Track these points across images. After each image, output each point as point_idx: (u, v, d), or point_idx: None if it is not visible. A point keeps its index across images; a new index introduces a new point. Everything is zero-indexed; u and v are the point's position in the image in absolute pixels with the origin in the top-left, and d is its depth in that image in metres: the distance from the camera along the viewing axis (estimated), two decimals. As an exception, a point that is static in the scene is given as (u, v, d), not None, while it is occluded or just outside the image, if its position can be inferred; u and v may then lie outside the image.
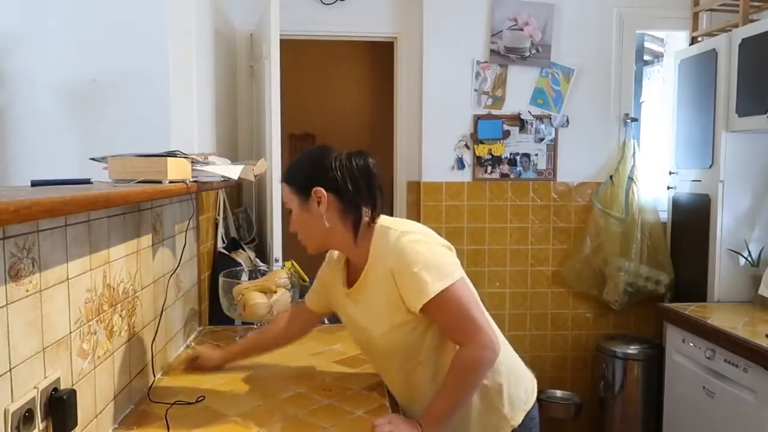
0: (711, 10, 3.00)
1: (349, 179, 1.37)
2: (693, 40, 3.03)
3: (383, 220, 1.41)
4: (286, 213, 1.45)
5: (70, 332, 1.12)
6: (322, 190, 1.36)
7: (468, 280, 1.37)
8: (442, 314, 1.31)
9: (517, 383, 1.45)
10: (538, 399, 1.51)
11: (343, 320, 1.56)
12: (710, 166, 2.67)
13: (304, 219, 1.40)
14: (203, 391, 1.51)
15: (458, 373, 1.30)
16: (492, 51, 3.01)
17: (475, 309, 1.31)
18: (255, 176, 1.96)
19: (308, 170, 1.40)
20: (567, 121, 3.08)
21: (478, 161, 3.05)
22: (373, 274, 1.37)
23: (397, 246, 1.31)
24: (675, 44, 3.21)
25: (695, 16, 3.04)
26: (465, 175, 3.05)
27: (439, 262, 1.31)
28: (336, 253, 1.54)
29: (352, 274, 1.47)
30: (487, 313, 1.37)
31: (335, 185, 1.36)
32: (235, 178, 1.76)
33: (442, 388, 1.31)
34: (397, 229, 1.36)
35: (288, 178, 1.43)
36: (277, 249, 2.40)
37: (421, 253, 1.30)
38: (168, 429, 1.32)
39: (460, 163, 3.04)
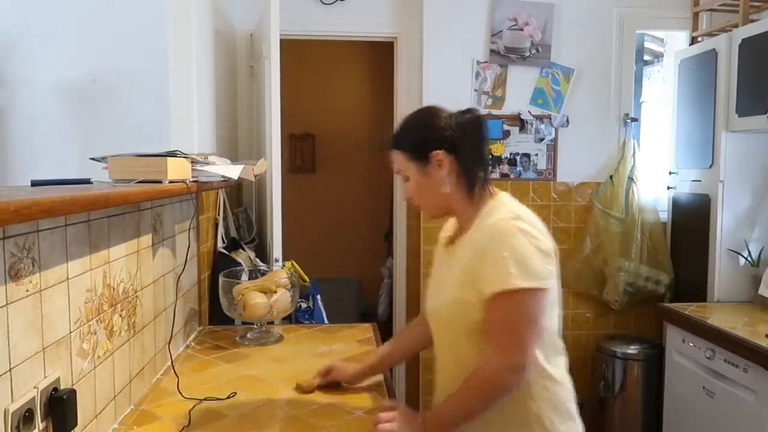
0: (711, 10, 2.99)
1: (466, 139, 1.28)
2: (693, 40, 3.03)
3: (504, 196, 1.32)
4: (401, 182, 1.39)
5: (70, 332, 1.12)
6: (443, 152, 1.28)
7: (552, 298, 1.25)
8: (498, 311, 1.19)
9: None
10: None
11: (429, 284, 1.44)
12: (710, 166, 2.67)
13: (424, 185, 1.32)
14: (204, 391, 1.51)
15: (477, 380, 1.21)
16: (492, 51, 3.01)
17: (531, 329, 1.20)
18: (255, 176, 1.96)
19: (423, 132, 1.31)
20: (567, 121, 3.08)
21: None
22: (468, 242, 1.28)
23: (501, 225, 1.22)
24: (675, 44, 3.21)
25: (695, 16, 3.04)
26: (465, 175, 3.05)
27: (533, 261, 1.18)
28: (451, 221, 1.44)
29: (455, 237, 1.37)
30: (551, 341, 1.26)
31: (453, 146, 1.28)
32: (235, 178, 1.76)
33: (457, 390, 1.23)
34: (512, 210, 1.26)
35: (400, 144, 1.34)
36: (277, 249, 2.40)
37: (520, 243, 1.18)
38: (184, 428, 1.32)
39: (460, 163, 3.04)
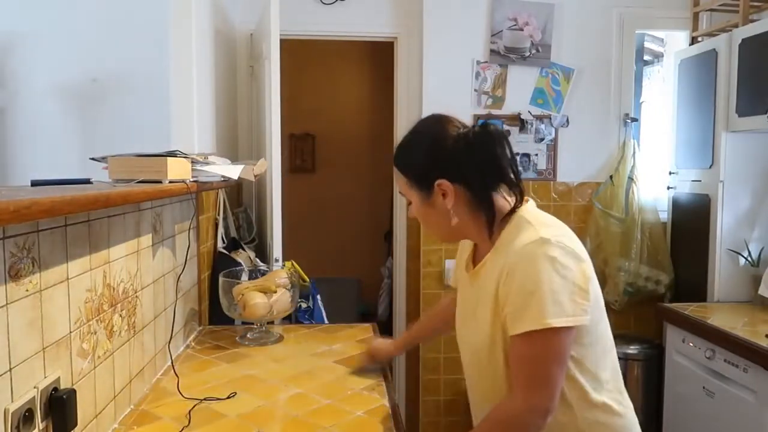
0: (711, 10, 2.99)
1: (478, 164, 1.12)
2: (693, 40, 3.03)
3: (525, 211, 1.16)
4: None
5: (70, 332, 1.12)
6: (447, 182, 1.13)
7: (591, 336, 1.14)
8: (524, 349, 1.07)
9: None
10: None
11: (456, 305, 1.36)
12: (710, 166, 2.67)
13: (427, 214, 1.19)
14: (204, 391, 1.51)
15: (493, 422, 1.11)
16: (492, 51, 3.01)
17: (558, 370, 1.07)
18: (255, 176, 1.96)
19: (426, 156, 1.16)
20: (567, 121, 3.08)
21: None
22: (491, 266, 1.16)
23: (528, 252, 1.07)
24: (675, 44, 3.21)
25: (695, 16, 3.04)
26: (465, 175, 3.04)
27: (563, 297, 1.05)
28: None
29: (476, 257, 1.26)
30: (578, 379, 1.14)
31: (462, 174, 1.13)
32: (235, 178, 1.76)
33: (477, 427, 1.14)
34: (539, 230, 1.10)
35: (402, 165, 1.20)
36: (277, 249, 2.40)
37: (549, 276, 1.05)
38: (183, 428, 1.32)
39: (460, 163, 3.04)
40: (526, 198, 1.19)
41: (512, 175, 1.16)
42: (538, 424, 1.07)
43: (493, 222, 1.16)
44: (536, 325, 1.04)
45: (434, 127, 1.20)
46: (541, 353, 1.06)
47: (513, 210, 1.17)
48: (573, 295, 1.06)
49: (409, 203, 1.23)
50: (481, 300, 1.18)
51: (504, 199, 1.19)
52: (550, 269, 1.05)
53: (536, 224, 1.12)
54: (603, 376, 1.18)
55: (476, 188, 1.15)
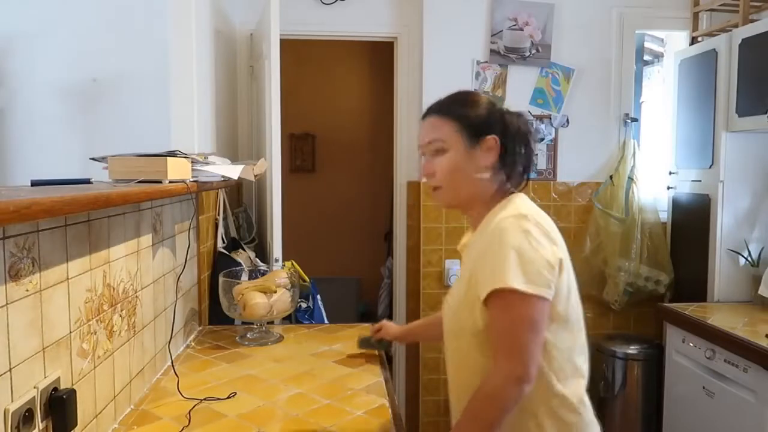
0: (711, 10, 2.99)
1: (520, 136, 1.22)
2: (693, 40, 3.03)
3: (517, 197, 1.23)
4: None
5: (70, 332, 1.12)
6: (496, 138, 1.20)
7: (564, 315, 1.15)
8: (496, 316, 1.10)
9: None
10: None
11: None
12: (710, 166, 2.67)
13: (460, 165, 1.20)
14: (204, 391, 1.51)
15: (481, 400, 1.10)
16: (492, 51, 3.01)
17: (533, 337, 1.09)
18: (255, 176, 1.96)
19: (485, 111, 1.22)
20: (567, 121, 3.08)
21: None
22: (473, 243, 1.24)
23: (504, 224, 1.12)
24: (675, 44, 3.21)
25: (695, 16, 3.04)
26: (465, 175, 3.05)
27: (535, 265, 1.08)
28: None
29: (469, 240, 1.33)
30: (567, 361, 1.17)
31: (509, 138, 1.21)
32: (235, 178, 1.76)
33: (463, 413, 1.13)
34: (520, 209, 1.16)
35: (450, 111, 1.23)
36: (277, 249, 2.40)
37: (521, 244, 1.09)
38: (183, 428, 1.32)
39: (460, 163, 3.04)
40: (519, 192, 1.26)
41: (530, 165, 1.28)
42: (513, 393, 1.08)
43: (503, 191, 1.23)
44: (500, 284, 1.07)
45: (480, 94, 1.32)
46: (511, 319, 1.09)
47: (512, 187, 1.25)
48: (540, 267, 1.09)
49: (438, 152, 1.22)
50: (461, 274, 1.25)
51: (504, 185, 1.25)
52: (522, 239, 1.10)
53: (520, 206, 1.19)
54: (569, 369, 1.19)
55: (514, 157, 1.22)
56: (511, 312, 1.09)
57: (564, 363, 1.17)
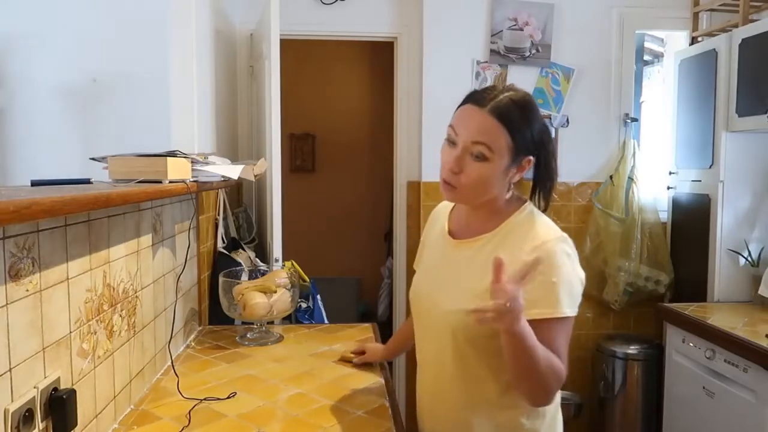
0: (711, 10, 2.99)
1: (545, 148, 1.21)
2: (693, 40, 3.03)
3: (530, 205, 1.25)
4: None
5: (70, 332, 1.12)
6: (533, 159, 1.20)
7: None
8: (543, 335, 1.12)
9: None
10: None
11: (418, 272, 1.40)
12: (710, 166, 2.67)
13: (492, 179, 1.17)
14: (204, 391, 1.51)
15: (553, 366, 1.12)
16: (492, 51, 3.01)
17: (567, 351, 1.18)
18: (255, 176, 1.96)
19: (538, 130, 1.19)
20: (567, 121, 3.08)
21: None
22: (493, 245, 1.20)
23: (550, 247, 1.15)
24: (675, 44, 3.21)
25: (695, 16, 3.04)
26: (465, 175, 3.05)
27: (576, 289, 1.17)
28: (446, 208, 1.39)
29: (458, 229, 1.31)
30: None
31: (538, 152, 1.20)
32: (235, 178, 1.76)
33: (545, 351, 1.12)
34: (553, 229, 1.20)
35: (512, 124, 1.15)
36: (277, 249, 2.40)
37: (568, 271, 1.16)
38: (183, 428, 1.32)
39: (460, 163, 3.04)
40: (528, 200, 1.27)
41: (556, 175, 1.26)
42: (555, 392, 1.17)
43: (520, 198, 1.25)
44: (555, 313, 1.14)
45: (535, 101, 1.22)
46: (561, 337, 1.16)
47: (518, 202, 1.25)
48: (579, 291, 1.19)
49: (480, 158, 1.15)
50: (463, 273, 1.23)
51: (538, 198, 1.27)
52: (568, 264, 1.16)
53: (548, 223, 1.22)
54: None
55: (540, 170, 1.23)
56: (559, 331, 1.16)
57: None
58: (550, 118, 3.06)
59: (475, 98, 1.18)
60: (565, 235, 1.20)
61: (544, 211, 1.26)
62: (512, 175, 1.20)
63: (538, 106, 1.22)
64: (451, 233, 1.32)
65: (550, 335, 1.14)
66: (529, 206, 1.25)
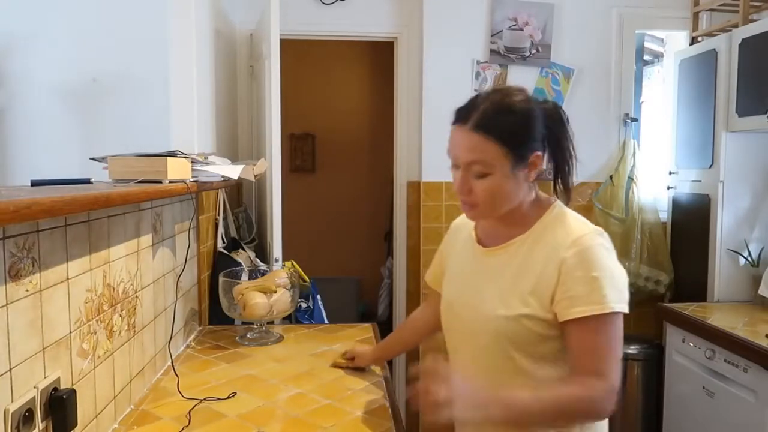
0: (711, 10, 2.99)
1: (556, 135, 1.15)
2: (693, 40, 3.03)
3: (561, 205, 1.21)
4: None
5: (70, 332, 1.12)
6: (541, 154, 1.13)
7: None
8: (590, 336, 1.08)
9: None
10: None
11: (447, 283, 1.34)
12: (710, 166, 2.67)
13: (504, 187, 1.13)
14: (204, 391, 1.51)
15: (575, 398, 1.08)
16: (492, 51, 3.01)
17: (618, 353, 1.11)
18: (255, 176, 1.96)
19: (527, 125, 1.13)
20: (567, 121, 3.08)
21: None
22: (529, 247, 1.17)
23: (585, 242, 1.11)
24: (675, 44, 3.21)
25: (695, 16, 3.04)
26: (465, 175, 3.05)
27: (622, 283, 1.11)
28: (468, 219, 1.31)
29: (487, 237, 1.27)
30: None
31: (549, 146, 1.15)
32: (235, 178, 1.76)
33: (545, 392, 1.10)
34: (587, 223, 1.16)
35: (494, 130, 1.11)
36: (277, 249, 2.40)
37: (609, 264, 1.11)
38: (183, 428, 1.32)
39: (460, 163, 3.04)
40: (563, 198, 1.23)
41: (573, 162, 1.20)
42: (611, 406, 1.09)
43: (548, 195, 1.21)
44: (603, 309, 1.08)
45: (520, 92, 1.17)
46: (611, 337, 1.10)
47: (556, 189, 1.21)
48: (623, 285, 1.13)
49: (483, 175, 1.13)
50: (501, 277, 1.19)
51: (560, 191, 1.22)
52: (608, 257, 1.12)
53: (580, 218, 1.18)
54: None
55: (556, 161, 1.18)
56: (608, 333, 1.09)
57: None
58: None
59: (458, 116, 1.16)
60: (601, 229, 1.16)
61: (567, 195, 1.21)
62: (526, 175, 1.15)
63: (528, 97, 1.16)
64: (480, 242, 1.28)
65: (594, 336, 1.08)
66: (558, 205, 1.21)
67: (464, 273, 1.30)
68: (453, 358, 1.31)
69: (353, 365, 1.69)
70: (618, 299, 1.09)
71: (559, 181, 1.21)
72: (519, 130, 1.13)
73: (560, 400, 1.08)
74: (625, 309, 1.10)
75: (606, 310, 1.08)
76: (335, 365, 1.72)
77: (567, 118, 1.19)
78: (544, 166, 1.18)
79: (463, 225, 1.36)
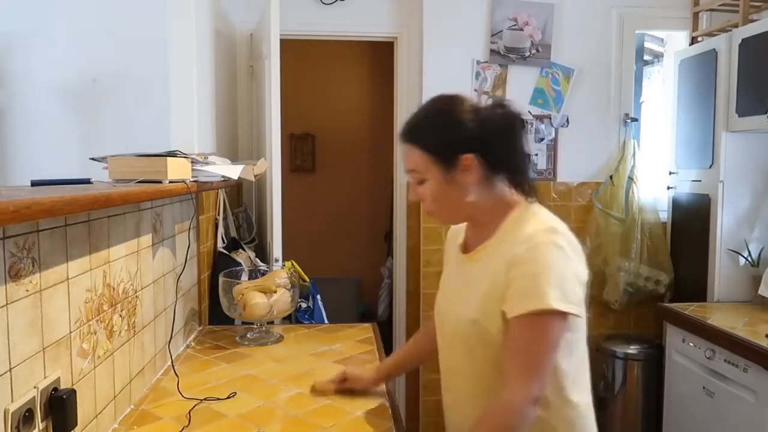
0: (711, 10, 2.99)
1: (498, 139, 1.13)
2: (693, 40, 3.03)
3: (531, 205, 1.19)
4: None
5: (70, 332, 1.12)
6: (473, 156, 1.12)
7: (578, 333, 1.16)
8: (522, 333, 1.07)
9: None
10: None
11: (439, 291, 1.35)
12: (710, 166, 2.67)
13: (444, 192, 1.16)
14: (204, 391, 1.51)
15: (496, 420, 1.07)
16: (492, 51, 3.01)
17: (551, 356, 1.08)
18: (255, 176, 1.96)
19: (450, 129, 1.14)
20: (567, 121, 3.08)
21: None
22: (492, 251, 1.17)
23: (536, 239, 1.09)
24: (675, 44, 3.21)
25: (695, 16, 3.04)
26: (465, 175, 3.05)
27: (571, 283, 1.07)
28: (462, 226, 1.32)
29: (471, 242, 1.26)
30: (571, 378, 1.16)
31: (484, 148, 1.13)
32: (235, 178, 1.77)
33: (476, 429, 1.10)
34: (546, 222, 1.13)
35: (419, 139, 1.16)
36: (277, 249, 2.40)
37: (555, 260, 1.07)
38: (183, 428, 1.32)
39: (460, 163, 3.04)
40: (532, 198, 1.20)
41: (523, 163, 1.19)
42: (530, 414, 1.06)
43: (508, 196, 1.19)
44: (539, 305, 1.04)
45: (450, 100, 1.19)
46: (539, 337, 1.07)
47: (515, 190, 1.19)
48: (574, 285, 1.08)
49: (419, 182, 1.18)
50: (474, 282, 1.19)
51: (508, 189, 1.19)
52: (557, 255, 1.07)
53: (544, 217, 1.15)
54: (581, 375, 1.21)
55: (498, 164, 1.15)
56: (541, 333, 1.06)
57: (577, 370, 1.19)
58: (550, 118, 3.06)
59: (400, 132, 1.22)
60: (559, 227, 1.12)
61: (529, 193, 1.19)
62: (462, 179, 1.15)
63: (462, 101, 1.17)
64: (464, 248, 1.29)
65: (526, 335, 1.06)
66: (524, 204, 1.19)
67: (449, 280, 1.32)
68: (442, 364, 1.32)
69: (347, 387, 1.51)
70: (560, 298, 1.04)
71: (516, 181, 1.20)
72: (441, 135, 1.15)
73: (484, 427, 1.07)
74: (572, 310, 1.06)
75: (541, 306, 1.04)
76: (319, 391, 1.52)
77: (516, 120, 1.17)
78: (497, 170, 1.16)
79: (458, 232, 1.36)
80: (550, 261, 1.06)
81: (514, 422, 1.07)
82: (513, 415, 1.06)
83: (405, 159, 1.20)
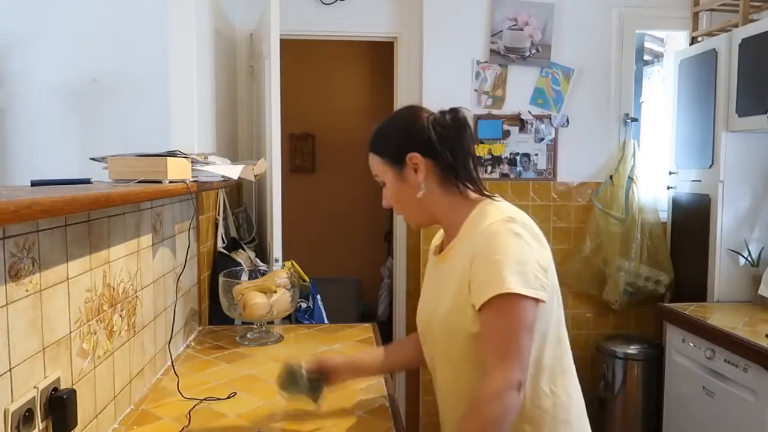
0: (711, 10, 2.99)
1: (445, 140, 1.21)
2: (693, 40, 3.03)
3: (497, 200, 1.23)
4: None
5: (70, 332, 1.12)
6: (419, 155, 1.21)
7: (556, 315, 1.19)
8: (492, 320, 1.09)
9: None
10: None
11: (422, 290, 1.39)
12: (710, 166, 2.67)
13: (400, 190, 1.25)
14: (204, 391, 1.51)
15: (482, 410, 1.06)
16: (492, 51, 3.01)
17: (528, 340, 1.09)
18: (255, 176, 1.96)
19: (400, 135, 1.25)
20: (567, 121, 3.08)
21: (478, 161, 3.04)
22: (458, 248, 1.21)
23: (493, 229, 1.13)
24: (675, 44, 3.21)
25: (695, 16, 3.04)
26: (465, 175, 3.04)
27: (531, 268, 1.10)
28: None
29: (444, 244, 1.31)
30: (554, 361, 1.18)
31: (431, 148, 1.21)
32: (235, 178, 1.77)
33: (462, 424, 1.10)
34: (506, 212, 1.17)
35: (377, 147, 1.28)
36: (277, 249, 2.40)
37: (514, 247, 1.10)
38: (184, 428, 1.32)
39: (460, 163, 3.04)
40: (496, 195, 1.25)
41: (471, 163, 1.25)
42: (515, 399, 1.06)
43: (463, 195, 1.24)
44: (500, 289, 1.07)
45: (405, 111, 1.32)
46: (507, 322, 1.09)
47: (465, 189, 1.24)
48: (535, 270, 1.11)
49: (384, 185, 1.28)
50: (445, 282, 1.23)
51: (464, 189, 1.25)
52: (515, 242, 1.11)
53: (503, 208, 1.20)
54: (558, 366, 1.21)
55: (446, 163, 1.22)
56: (509, 316, 1.08)
57: (556, 364, 1.20)
58: (550, 118, 3.06)
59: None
60: (517, 216, 1.16)
61: (476, 188, 1.24)
62: (411, 178, 1.23)
63: (417, 111, 1.26)
64: (439, 250, 1.33)
65: (495, 321, 1.08)
66: (485, 201, 1.23)
67: (427, 282, 1.36)
68: (429, 364, 1.34)
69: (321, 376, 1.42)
70: (520, 283, 1.07)
71: (463, 177, 1.25)
72: (394, 140, 1.26)
73: (472, 420, 1.06)
74: (533, 294, 1.08)
75: (502, 290, 1.06)
76: (322, 364, 1.43)
77: (463, 124, 1.23)
78: (446, 170, 1.22)
79: (439, 238, 1.39)
80: (507, 248, 1.10)
81: (500, 409, 1.06)
82: (497, 403, 1.06)
83: (370, 167, 1.31)
